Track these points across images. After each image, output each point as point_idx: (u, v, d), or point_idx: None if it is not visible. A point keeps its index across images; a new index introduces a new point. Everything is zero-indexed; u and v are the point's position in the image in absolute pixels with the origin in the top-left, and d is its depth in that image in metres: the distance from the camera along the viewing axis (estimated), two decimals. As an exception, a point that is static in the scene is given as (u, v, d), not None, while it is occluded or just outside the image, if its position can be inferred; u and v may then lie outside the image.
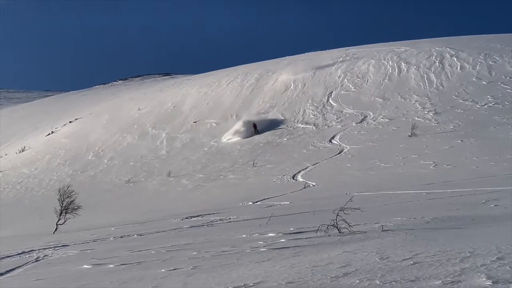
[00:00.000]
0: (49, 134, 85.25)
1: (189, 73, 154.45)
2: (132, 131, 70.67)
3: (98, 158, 62.54)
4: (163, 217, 28.09)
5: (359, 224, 12.84)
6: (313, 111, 61.57)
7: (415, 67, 66.05)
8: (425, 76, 62.79)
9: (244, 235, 13.98)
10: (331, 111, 60.16)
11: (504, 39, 72.21)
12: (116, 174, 54.23)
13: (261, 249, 10.85)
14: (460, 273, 6.75)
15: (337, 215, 12.13)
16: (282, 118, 61.76)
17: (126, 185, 48.93)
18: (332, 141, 50.11)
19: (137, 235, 19.10)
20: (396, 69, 66.84)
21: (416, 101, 56.46)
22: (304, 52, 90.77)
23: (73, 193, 31.22)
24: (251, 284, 7.19)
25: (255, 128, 55.54)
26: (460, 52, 67.36)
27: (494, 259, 7.32)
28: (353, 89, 65.05)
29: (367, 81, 66.01)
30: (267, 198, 30.92)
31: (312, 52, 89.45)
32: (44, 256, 14.79)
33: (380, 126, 51.47)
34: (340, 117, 57.50)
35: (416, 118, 50.32)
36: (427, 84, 60.58)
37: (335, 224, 12.03)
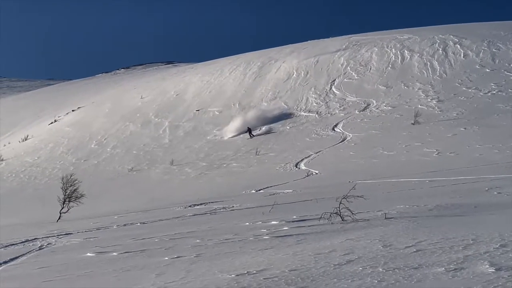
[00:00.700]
0: (52, 122, 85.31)
1: (191, 62, 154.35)
2: (135, 119, 70.65)
3: (101, 147, 62.57)
4: (166, 205, 28.13)
5: (362, 212, 12.83)
6: (316, 99, 61.48)
7: (418, 54, 65.83)
8: (428, 63, 62.59)
9: (247, 223, 14.00)
10: (334, 99, 60.07)
11: (508, 27, 71.88)
12: (119, 163, 54.28)
13: (264, 237, 10.86)
14: (463, 260, 6.75)
15: (340, 203, 12.12)
16: (286, 107, 61.59)
17: (129, 174, 48.99)
18: (335, 129, 50.08)
19: (140, 223, 19.13)
20: (399, 57, 66.62)
21: (419, 88, 56.34)
22: (307, 40, 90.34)
23: (76, 181, 31.25)
24: (254, 271, 7.20)
25: (249, 132, 53.64)
26: (464, 40, 67.09)
27: (497, 246, 7.31)
28: (356, 77, 64.90)
29: (370, 69, 65.84)
30: (270, 186, 30.92)
31: (315, 40, 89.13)
32: (48, 244, 14.83)
33: (383, 114, 51.40)
34: (343, 105, 57.42)
35: (419, 106, 50.23)
36: (430, 71, 60.40)
37: (338, 212, 12.02)
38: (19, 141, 77.11)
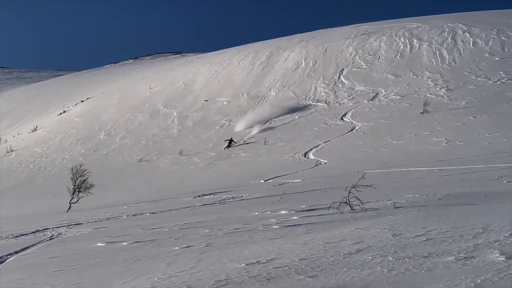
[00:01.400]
0: (61, 113, 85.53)
1: (200, 52, 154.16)
2: (144, 110, 70.75)
3: (110, 137, 62.72)
4: (175, 196, 28.20)
5: (371, 201, 12.83)
6: (324, 88, 61.36)
7: (427, 43, 65.47)
8: (437, 52, 62.27)
9: (256, 213, 14.02)
10: (343, 88, 59.93)
11: (518, 14, 71.41)
12: (128, 153, 54.40)
13: (274, 227, 10.88)
14: (473, 249, 6.74)
15: (349, 192, 12.12)
16: (294, 96, 61.50)
17: (138, 164, 49.10)
18: (344, 118, 49.99)
19: (149, 213, 19.19)
20: (408, 46, 66.28)
21: (428, 77, 56.09)
22: (315, 29, 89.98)
23: (86, 172, 31.38)
24: (264, 261, 7.22)
25: (229, 143, 47.83)
26: (473, 28, 66.65)
27: (507, 235, 7.30)
28: (364, 66, 64.68)
29: (379, 58, 65.57)
30: (279, 176, 30.94)
31: (323, 29, 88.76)
32: (58, 234, 14.91)
33: (392, 103, 51.24)
34: (351, 95, 57.27)
35: (428, 95, 50.02)
36: (439, 60, 60.10)
37: (347, 201, 12.02)
38: (29, 132, 77.41)
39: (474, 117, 40.07)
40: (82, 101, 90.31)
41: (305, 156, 39.12)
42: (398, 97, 52.77)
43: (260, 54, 78.93)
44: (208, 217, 14.58)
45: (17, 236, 15.35)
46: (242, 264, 7.14)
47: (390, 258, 6.53)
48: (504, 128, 34.53)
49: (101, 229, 15.26)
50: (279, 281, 6.05)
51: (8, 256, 11.10)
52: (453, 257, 6.44)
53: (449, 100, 48.18)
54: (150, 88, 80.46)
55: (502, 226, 7.86)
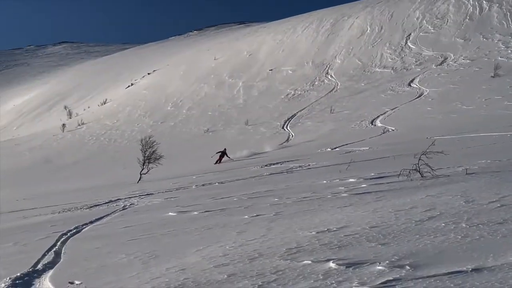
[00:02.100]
0: (129, 86, 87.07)
1: (264, 21, 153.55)
2: (209, 81, 71.24)
3: (177, 109, 63.52)
4: (243, 165, 28.39)
5: (442, 168, 12.60)
6: (391, 54, 60.32)
7: (497, 4, 63.28)
8: (508, 14, 60.15)
9: (325, 181, 13.98)
10: (410, 54, 58.78)
11: None
12: (195, 124, 55.02)
13: (342, 195, 10.83)
14: (550, 216, 6.56)
15: (419, 159, 11.93)
16: (359, 63, 60.79)
17: (205, 135, 49.63)
18: (411, 84, 49.12)
19: (218, 183, 19.38)
20: (477, 8, 64.24)
21: (499, 40, 54.36)
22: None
23: (155, 143, 31.85)
24: (334, 228, 7.21)
25: (221, 156, 35.57)
26: (546, -13, 64.05)
27: None
28: (432, 30, 63.18)
29: (447, 21, 63.88)
30: (346, 144, 30.72)
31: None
32: (131, 204, 15.23)
33: (461, 68, 49.97)
34: (419, 60, 56.14)
35: (499, 58, 48.53)
36: (510, 22, 58.09)
37: (417, 168, 11.84)
38: (98, 105, 79.19)
39: (548, 80, 38.73)
40: (149, 74, 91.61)
41: (372, 124, 38.71)
42: (468, 61, 51.40)
43: (324, 22, 78.09)
44: (276, 186, 14.63)
45: (91, 207, 15.78)
46: (313, 232, 7.15)
47: (464, 225, 6.42)
48: None
49: (172, 199, 15.51)
50: (351, 248, 6.03)
51: (84, 226, 11.44)
52: (530, 224, 6.28)
53: (521, 63, 46.68)
54: (215, 59, 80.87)
55: None
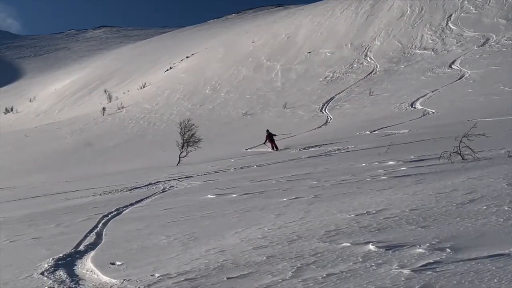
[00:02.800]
0: (167, 69, 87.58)
1: (302, 3, 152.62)
2: (247, 64, 71.21)
3: (215, 92, 63.71)
4: (281, 148, 28.40)
5: (484, 151, 12.42)
6: (431, 36, 59.45)
7: (542, -16, 61.80)
8: (553, -7, 58.74)
9: (364, 164, 13.90)
10: (451, 35, 57.85)
11: None
12: (233, 107, 55.13)
13: (382, 178, 10.75)
14: None
15: (460, 141, 11.78)
16: (399, 45, 60.07)
17: (243, 118, 49.69)
18: (452, 66, 48.39)
19: (256, 166, 19.43)
20: (521, -13, 62.83)
21: (543, 20, 53.16)
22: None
23: (193, 126, 32.01)
24: (374, 211, 7.17)
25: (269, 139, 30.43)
26: None
27: None
28: (474, 10, 62.01)
29: (489, 1, 62.61)
30: (385, 127, 30.47)
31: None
32: (170, 187, 15.36)
33: (503, 49, 49.01)
34: (460, 41, 55.21)
35: (543, 39, 47.47)
36: (555, 1, 56.75)
37: (458, 151, 11.69)
38: (138, 89, 79.87)
39: None
40: (187, 57, 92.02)
41: (411, 106, 38.31)
42: (510, 42, 50.37)
43: (363, 3, 77.24)
44: (314, 169, 14.60)
45: (131, 189, 15.96)
46: (352, 215, 7.13)
47: (506, 208, 6.32)
48: None
49: (211, 181, 15.60)
50: (390, 231, 5.99)
51: (125, 208, 11.58)
52: None
53: None
54: (253, 42, 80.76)
55: None
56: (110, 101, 77.95)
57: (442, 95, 39.83)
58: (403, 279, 4.42)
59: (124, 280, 5.61)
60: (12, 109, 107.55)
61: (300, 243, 6.02)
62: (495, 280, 4.15)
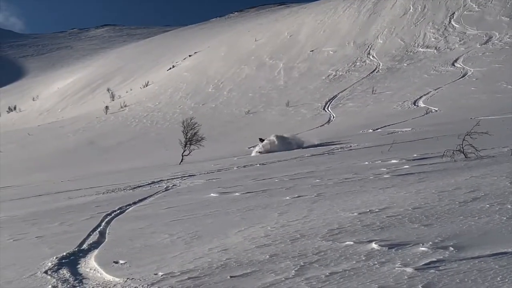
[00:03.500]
0: (170, 68, 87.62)
1: (304, 1, 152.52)
2: (250, 62, 71.21)
3: (218, 90, 63.72)
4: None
5: (487, 149, 12.41)
6: (434, 34, 59.39)
7: (545, -19, 61.66)
8: (556, -10, 58.61)
9: (366, 162, 13.90)
10: (453, 33, 57.78)
11: None
12: (236, 106, 55.14)
13: (385, 176, 10.75)
14: None
15: (463, 139, 11.77)
16: (402, 43, 60.00)
17: (246, 116, 49.70)
18: (455, 64, 48.35)
19: (259, 164, 19.42)
20: (524, -15, 62.71)
21: (546, 18, 53.07)
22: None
23: (196, 125, 32.03)
24: (377, 210, 7.17)
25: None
26: None
27: None
28: (476, 8, 61.91)
29: (492, -1, 62.51)
30: (388, 125, 30.47)
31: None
32: (173, 185, 15.37)
33: (506, 47, 48.95)
34: (463, 39, 55.15)
35: (546, 37, 47.39)
36: (558, -1, 56.64)
37: (461, 149, 11.68)
38: (140, 87, 79.93)
39: None
40: (190, 56, 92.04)
41: (414, 104, 38.30)
42: (513, 40, 50.31)
43: (366, 1, 77.17)
44: (317, 167, 14.60)
45: (134, 188, 15.97)
46: (355, 213, 7.13)
47: (509, 206, 6.32)
48: None
49: (213, 180, 15.61)
50: (393, 229, 6.00)
51: (128, 207, 11.59)
52: None
53: None
54: (255, 40, 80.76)
55: None
56: (113, 100, 78.00)
57: (445, 93, 39.80)
58: (406, 277, 4.42)
59: (128, 278, 5.62)
60: (15, 108, 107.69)
61: (303, 241, 6.03)
62: (498, 279, 4.15)
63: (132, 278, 5.60)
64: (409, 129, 26.79)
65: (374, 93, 45.63)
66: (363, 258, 5.07)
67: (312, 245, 5.79)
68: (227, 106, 56.38)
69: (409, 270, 4.57)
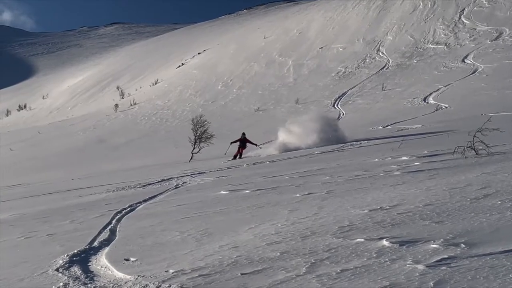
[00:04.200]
0: (179, 66, 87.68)
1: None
2: (259, 59, 71.15)
3: (227, 88, 63.71)
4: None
5: (498, 145, 12.34)
6: (444, 30, 59.12)
7: (555, -23, 61.23)
8: None
9: (377, 159, 13.86)
10: (464, 29, 57.49)
11: None
12: (245, 103, 55.12)
13: (395, 173, 10.72)
14: None
15: (474, 136, 11.71)
16: (412, 39, 59.78)
17: (256, 114, 49.68)
18: (465, 60, 48.12)
19: (269, 161, 19.43)
20: (535, -20, 62.30)
21: (557, 13, 52.72)
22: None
23: (206, 122, 32.06)
24: (387, 207, 7.15)
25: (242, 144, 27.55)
26: None
27: None
28: (487, 4, 61.57)
29: (502, -5, 62.14)
30: (398, 122, 30.38)
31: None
32: (183, 183, 15.39)
33: (517, 43, 48.67)
34: (473, 35, 54.87)
35: (557, 32, 47.09)
36: None
37: (472, 145, 11.62)
38: (150, 85, 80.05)
39: None
40: (199, 53, 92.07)
41: (424, 101, 38.16)
42: (524, 36, 50.03)
43: (375, -2, 76.93)
44: (327, 165, 14.57)
45: (144, 186, 16.01)
46: (365, 210, 7.11)
47: (521, 203, 6.28)
48: None
49: (223, 177, 15.62)
50: (404, 226, 5.98)
51: (138, 204, 11.62)
52: None
53: None
54: (265, 38, 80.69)
55: None
56: (123, 98, 78.17)
57: (455, 89, 39.64)
58: (417, 274, 4.41)
59: (139, 276, 5.63)
60: (25, 106, 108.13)
61: (313, 238, 6.02)
62: (510, 275, 4.13)
63: (143, 276, 5.60)
64: (419, 125, 26.71)
65: (384, 90, 45.50)
66: (374, 255, 5.06)
67: (322, 242, 5.78)
68: (236, 103, 56.37)
69: (420, 267, 4.55)
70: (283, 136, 24.69)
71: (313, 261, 5.15)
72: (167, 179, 17.15)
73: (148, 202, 11.91)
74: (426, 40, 58.25)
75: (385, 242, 5.40)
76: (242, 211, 8.86)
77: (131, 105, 67.89)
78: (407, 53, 56.46)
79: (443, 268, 4.46)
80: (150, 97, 70.50)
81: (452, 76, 44.01)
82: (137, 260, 6.37)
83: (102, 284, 5.68)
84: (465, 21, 59.59)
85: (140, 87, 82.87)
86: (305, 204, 8.61)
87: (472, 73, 43.32)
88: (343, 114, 41.62)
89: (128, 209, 11.07)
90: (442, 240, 5.22)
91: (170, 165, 26.27)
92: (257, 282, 4.83)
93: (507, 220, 5.64)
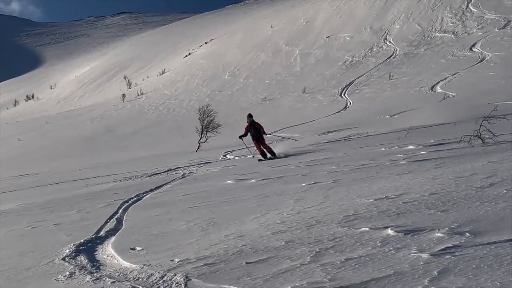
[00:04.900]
0: (186, 55, 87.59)
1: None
2: (266, 49, 70.99)
3: (234, 78, 63.62)
4: (300, 133, 28.32)
5: (505, 134, 12.31)
6: (451, 18, 58.76)
7: None
8: None
9: (383, 149, 13.85)
10: (471, 17, 57.10)
11: None
12: (252, 93, 55.03)
13: (401, 162, 10.71)
14: None
15: (481, 125, 11.68)
16: (419, 28, 59.50)
17: (262, 103, 49.59)
18: (473, 49, 47.84)
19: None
20: (543, -32, 61.80)
21: None
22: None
23: (213, 112, 32.05)
24: (393, 196, 7.15)
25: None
26: None
27: None
28: (495, -8, 61.12)
29: (511, -18, 61.70)
30: (405, 111, 30.29)
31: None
32: (190, 173, 15.43)
33: (525, 31, 48.37)
34: (481, 24, 54.51)
35: None
36: None
37: (479, 134, 11.59)
38: (157, 75, 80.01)
39: None
40: (206, 43, 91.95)
41: (432, 90, 38.00)
42: (532, 24, 49.73)
43: (382, -14, 76.54)
44: (334, 154, 14.58)
45: (151, 175, 16.06)
46: (371, 200, 7.12)
47: (526, 192, 6.27)
48: None
49: (230, 167, 15.65)
50: (409, 215, 5.98)
51: (145, 194, 11.67)
52: None
53: None
54: (271, 27, 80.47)
55: None
56: (130, 88, 78.19)
57: (462, 78, 39.44)
58: (421, 263, 4.41)
59: (144, 265, 5.66)
60: (33, 96, 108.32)
61: (318, 228, 6.03)
62: (515, 264, 4.13)
63: (149, 265, 5.63)
64: (426, 115, 26.62)
65: (391, 79, 45.32)
66: (379, 244, 5.07)
67: (327, 232, 5.79)
68: (243, 93, 56.28)
69: (424, 255, 4.56)
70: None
71: (318, 250, 5.16)
72: (173, 169, 17.20)
73: (154, 192, 11.96)
74: (433, 29, 57.91)
75: (390, 231, 5.41)
76: (247, 200, 8.88)
77: (138, 95, 67.90)
78: (414, 42, 56.17)
79: (448, 256, 4.47)
80: (157, 87, 70.49)
81: (459, 65, 43.78)
82: (143, 249, 6.40)
83: (108, 273, 5.72)
84: (472, 9, 59.18)
85: (147, 77, 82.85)
86: (310, 193, 8.62)
87: (479, 62, 43.07)
88: (350, 103, 41.52)
89: (135, 198, 11.12)
90: (447, 229, 5.22)
91: (177, 154, 26.30)
92: (262, 271, 4.84)
93: (512, 208, 5.64)
